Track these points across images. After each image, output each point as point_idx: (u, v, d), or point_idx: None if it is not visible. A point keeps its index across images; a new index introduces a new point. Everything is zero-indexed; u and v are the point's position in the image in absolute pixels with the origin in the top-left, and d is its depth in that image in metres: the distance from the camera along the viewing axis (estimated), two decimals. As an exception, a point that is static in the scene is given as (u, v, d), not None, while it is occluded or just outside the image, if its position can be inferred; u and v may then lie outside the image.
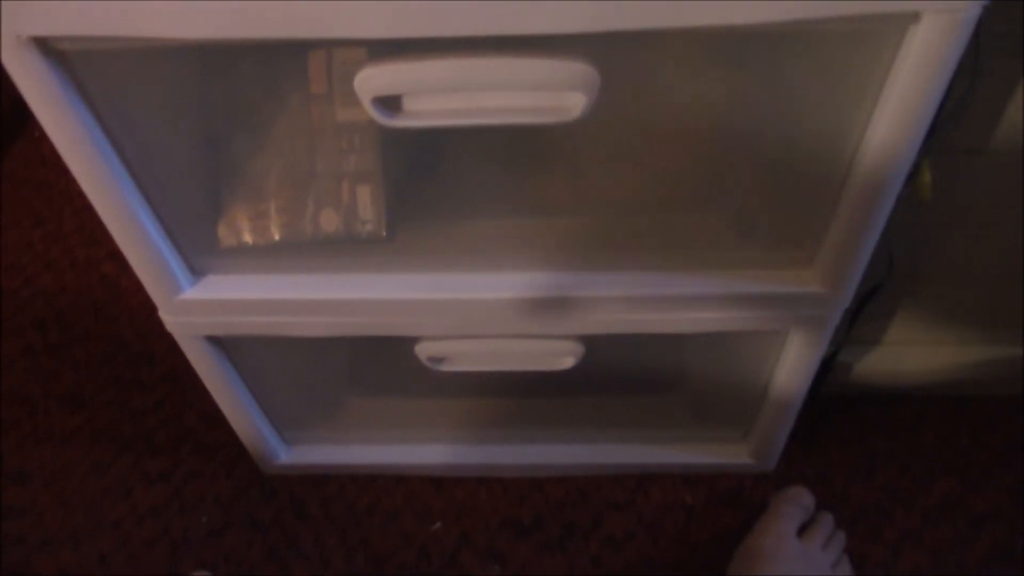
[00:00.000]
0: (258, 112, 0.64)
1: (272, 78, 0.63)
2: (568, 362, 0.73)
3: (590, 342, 0.72)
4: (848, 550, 0.84)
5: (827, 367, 0.83)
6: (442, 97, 0.53)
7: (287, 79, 0.62)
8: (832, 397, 0.92)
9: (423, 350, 0.73)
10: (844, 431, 0.93)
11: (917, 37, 0.48)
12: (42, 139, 1.22)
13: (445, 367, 0.75)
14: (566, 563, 0.86)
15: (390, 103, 0.53)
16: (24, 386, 1.01)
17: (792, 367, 0.74)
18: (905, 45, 0.49)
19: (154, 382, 1.00)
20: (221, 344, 0.74)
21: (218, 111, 0.65)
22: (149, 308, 1.06)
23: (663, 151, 0.67)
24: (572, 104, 0.52)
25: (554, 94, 0.52)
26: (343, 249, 0.66)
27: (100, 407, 0.99)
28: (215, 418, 0.95)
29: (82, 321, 1.06)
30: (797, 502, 0.84)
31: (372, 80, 0.51)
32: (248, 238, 0.66)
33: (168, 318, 0.69)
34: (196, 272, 0.67)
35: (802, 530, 0.83)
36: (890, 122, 0.52)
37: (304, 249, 0.66)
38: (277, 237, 0.65)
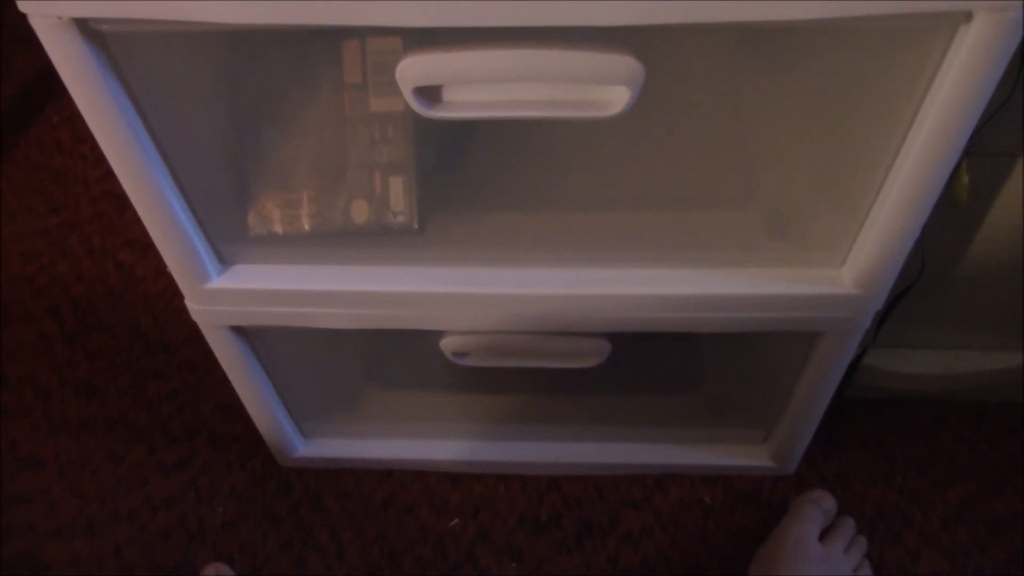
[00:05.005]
0: (291, 100, 0.63)
1: (306, 66, 0.62)
2: (594, 360, 0.73)
3: (617, 340, 0.71)
4: (867, 553, 0.83)
5: (852, 370, 0.83)
6: (483, 89, 0.52)
7: (321, 67, 0.62)
8: (853, 399, 0.92)
9: (448, 344, 0.72)
10: (864, 434, 0.92)
11: (968, 37, 0.47)
12: (60, 125, 1.21)
13: (469, 362, 0.74)
14: (583, 561, 0.86)
15: (429, 93, 0.52)
16: (39, 374, 1.00)
17: (819, 370, 0.73)
18: (955, 45, 0.48)
19: (170, 372, 1.00)
20: (245, 334, 0.73)
21: (252, 98, 0.64)
22: (166, 297, 1.05)
23: (698, 147, 0.66)
24: (615, 99, 0.51)
25: (597, 88, 0.51)
26: (374, 241, 0.66)
27: (115, 396, 0.98)
28: (231, 409, 0.95)
29: (98, 309, 1.05)
30: (818, 505, 0.84)
31: (414, 70, 0.50)
32: (278, 228, 0.65)
33: (194, 306, 0.68)
34: (224, 261, 0.66)
35: (823, 534, 0.83)
36: (936, 122, 0.51)
37: (334, 240, 0.66)
38: (307, 227, 0.65)
